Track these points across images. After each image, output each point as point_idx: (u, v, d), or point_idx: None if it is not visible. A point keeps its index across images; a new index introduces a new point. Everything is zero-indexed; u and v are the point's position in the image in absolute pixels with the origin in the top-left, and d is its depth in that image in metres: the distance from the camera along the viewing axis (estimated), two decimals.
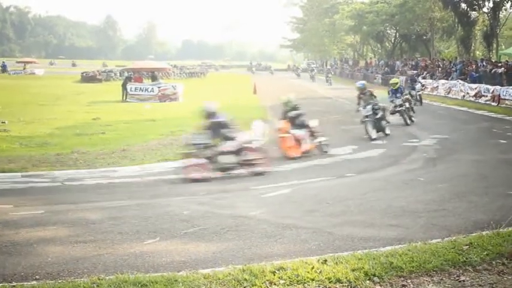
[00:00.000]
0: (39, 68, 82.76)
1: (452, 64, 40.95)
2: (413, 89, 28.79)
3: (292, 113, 16.27)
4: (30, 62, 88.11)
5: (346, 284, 5.75)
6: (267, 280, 5.78)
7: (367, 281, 5.80)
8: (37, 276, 6.16)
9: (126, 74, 47.16)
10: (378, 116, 18.68)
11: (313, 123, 16.33)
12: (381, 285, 5.79)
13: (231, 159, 13.12)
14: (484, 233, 7.40)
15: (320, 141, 16.13)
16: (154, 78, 42.55)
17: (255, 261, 6.44)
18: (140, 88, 36.96)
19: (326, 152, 16.02)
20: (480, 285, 5.79)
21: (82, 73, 63.42)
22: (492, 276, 5.98)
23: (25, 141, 17.56)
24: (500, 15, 47.25)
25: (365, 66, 66.83)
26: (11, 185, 11.76)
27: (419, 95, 30.05)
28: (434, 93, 37.53)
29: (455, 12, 49.34)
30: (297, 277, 5.83)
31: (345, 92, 41.84)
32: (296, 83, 56.88)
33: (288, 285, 5.75)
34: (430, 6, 53.38)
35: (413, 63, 50.32)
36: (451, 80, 37.50)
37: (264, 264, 6.21)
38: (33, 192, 11.23)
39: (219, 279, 5.81)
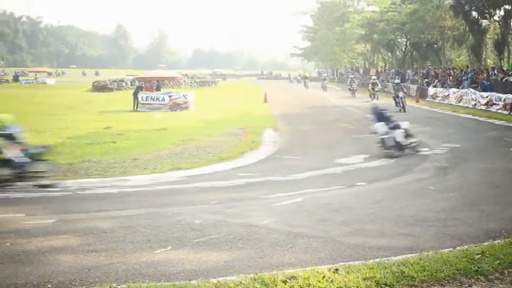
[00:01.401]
0: (51, 77, 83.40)
1: (463, 72, 40.85)
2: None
3: None
4: (42, 72, 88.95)
5: None
6: None
7: None
8: (49, 285, 6.18)
9: (137, 83, 47.47)
10: None
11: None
12: None
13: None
14: (496, 242, 7.38)
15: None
16: (158, 88, 42.83)
17: (266, 270, 6.43)
18: (151, 97, 37.08)
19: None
20: None
21: (93, 82, 63.91)
22: (504, 286, 5.96)
23: None
24: (511, 23, 47.14)
25: (376, 75, 66.74)
26: (23, 194, 11.80)
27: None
28: (446, 102, 37.48)
29: (466, 21, 49.33)
30: (308, 286, 5.83)
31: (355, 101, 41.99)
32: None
33: None
34: (441, 15, 53.39)
35: (424, 71, 50.28)
36: (462, 88, 37.39)
37: (276, 273, 6.21)
38: (45, 201, 11.25)
39: None
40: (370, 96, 42.70)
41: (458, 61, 60.44)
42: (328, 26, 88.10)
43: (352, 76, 58.94)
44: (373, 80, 45.85)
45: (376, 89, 42.90)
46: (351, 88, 50.22)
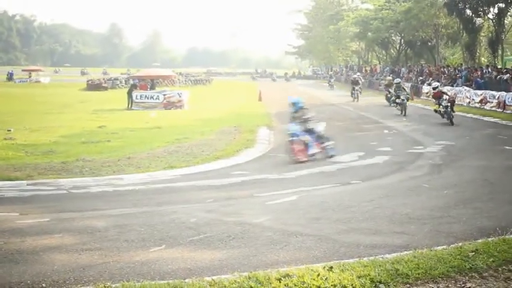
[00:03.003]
0: (45, 76, 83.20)
1: (457, 70, 40.96)
2: None
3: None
4: (36, 70, 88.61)
5: None
6: (273, 287, 5.79)
7: None
8: (43, 284, 6.16)
9: (131, 81, 47.42)
10: None
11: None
12: None
13: None
14: (490, 239, 7.39)
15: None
16: (153, 86, 42.81)
17: (260, 269, 6.43)
18: (145, 96, 37.03)
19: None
20: None
21: (87, 81, 63.81)
22: (498, 283, 5.97)
23: (31, 149, 17.61)
24: (505, 21, 47.25)
25: (370, 73, 66.73)
26: (17, 193, 11.77)
27: None
28: None
29: (460, 19, 49.36)
30: (303, 284, 5.82)
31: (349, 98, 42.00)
32: None
33: None
34: (435, 13, 53.46)
35: (418, 69, 50.34)
36: (456, 86, 37.47)
37: (270, 271, 6.20)
38: (39, 200, 11.23)
39: (224, 286, 5.80)
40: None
41: (453, 59, 60.55)
42: (323, 24, 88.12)
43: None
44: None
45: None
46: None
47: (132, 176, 13.80)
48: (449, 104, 24.63)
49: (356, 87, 41.41)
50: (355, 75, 46.40)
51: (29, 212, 9.92)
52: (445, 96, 25.02)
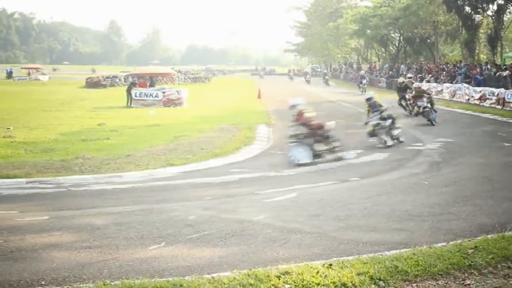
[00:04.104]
0: (44, 74, 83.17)
1: (456, 67, 40.92)
2: None
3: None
4: (35, 68, 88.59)
5: None
6: (272, 285, 5.79)
7: (373, 285, 5.81)
8: (43, 282, 6.17)
9: (130, 79, 47.40)
10: None
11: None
12: None
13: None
14: (489, 236, 7.39)
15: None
16: (152, 84, 42.81)
17: (260, 266, 6.43)
18: (145, 93, 36.96)
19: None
20: None
21: (86, 79, 63.76)
22: (497, 280, 5.98)
23: (30, 147, 17.56)
24: (504, 18, 47.22)
25: (369, 70, 66.69)
26: (16, 191, 11.75)
27: None
28: (439, 97, 37.45)
29: (459, 16, 49.35)
30: (302, 281, 5.83)
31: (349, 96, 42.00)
32: None
33: None
34: (434, 10, 53.44)
35: (417, 66, 50.30)
36: (455, 83, 37.49)
37: (269, 268, 6.20)
38: (38, 198, 11.22)
39: (224, 284, 5.81)
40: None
41: (452, 56, 60.53)
42: (321, 22, 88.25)
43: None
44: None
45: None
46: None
47: (131, 174, 13.78)
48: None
49: (407, 96, 28.76)
50: (405, 78, 33.61)
51: (28, 210, 9.92)
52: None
